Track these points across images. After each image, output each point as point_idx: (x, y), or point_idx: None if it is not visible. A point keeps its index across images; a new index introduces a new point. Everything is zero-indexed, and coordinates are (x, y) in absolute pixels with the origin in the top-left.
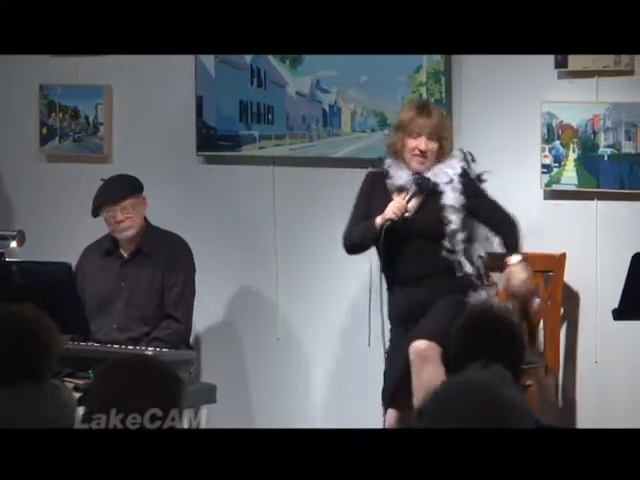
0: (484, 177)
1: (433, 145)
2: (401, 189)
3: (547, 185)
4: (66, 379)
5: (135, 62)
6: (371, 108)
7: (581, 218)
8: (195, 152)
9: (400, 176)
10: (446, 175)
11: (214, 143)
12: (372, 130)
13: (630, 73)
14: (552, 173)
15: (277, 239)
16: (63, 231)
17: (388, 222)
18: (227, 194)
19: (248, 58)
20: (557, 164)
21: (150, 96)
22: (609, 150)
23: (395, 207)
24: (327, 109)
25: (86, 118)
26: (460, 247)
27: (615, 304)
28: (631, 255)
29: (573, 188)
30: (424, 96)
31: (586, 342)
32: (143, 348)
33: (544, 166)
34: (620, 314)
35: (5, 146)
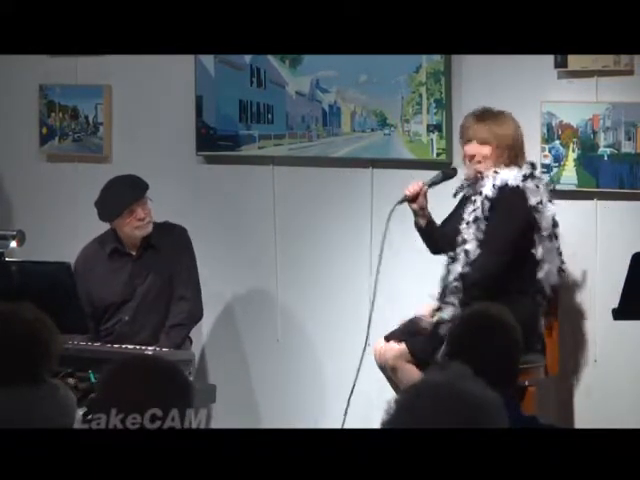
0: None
1: (483, 149)
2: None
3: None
4: (65, 379)
5: (135, 62)
6: (371, 108)
7: (581, 218)
8: (195, 152)
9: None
10: (489, 182)
11: (214, 143)
12: (372, 130)
13: (630, 73)
14: (552, 173)
15: (277, 239)
16: (63, 231)
17: (401, 199)
18: (227, 194)
19: (248, 58)
20: (557, 164)
21: (150, 96)
22: (609, 150)
23: (410, 185)
24: (327, 109)
25: (86, 118)
26: (462, 256)
27: (615, 304)
28: (631, 255)
29: (573, 188)
30: (424, 96)
31: (585, 342)
32: (143, 348)
33: (544, 166)
34: (620, 314)
35: (5, 146)
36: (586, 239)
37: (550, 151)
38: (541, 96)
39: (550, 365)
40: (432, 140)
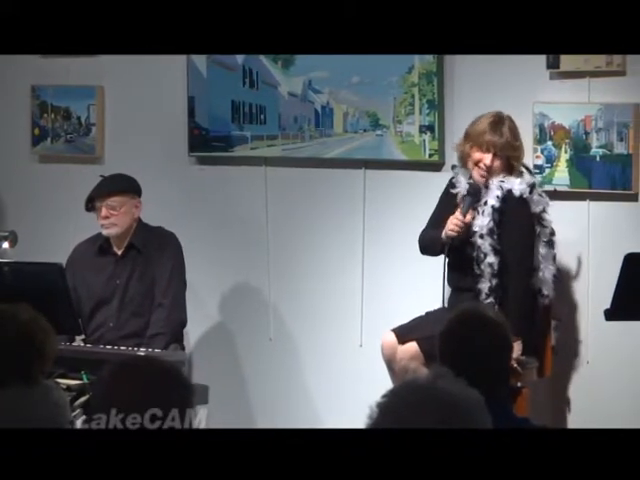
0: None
1: (499, 162)
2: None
3: (539, 186)
4: (58, 380)
5: (127, 62)
6: (363, 109)
7: (573, 219)
8: (187, 153)
9: (461, 185)
10: (494, 192)
11: (206, 144)
12: (364, 131)
13: (622, 74)
14: (544, 174)
15: (269, 239)
16: (55, 232)
17: (449, 241)
18: (219, 195)
19: (240, 59)
20: (549, 165)
21: (142, 97)
22: (601, 151)
23: (453, 223)
24: (319, 110)
25: (78, 119)
26: (488, 271)
27: (607, 305)
28: (623, 256)
29: (565, 189)
30: (416, 97)
31: (578, 342)
32: (136, 349)
33: (536, 167)
34: (612, 314)
35: None
36: (578, 240)
37: (542, 152)
38: (533, 97)
39: (542, 366)
40: (424, 141)
